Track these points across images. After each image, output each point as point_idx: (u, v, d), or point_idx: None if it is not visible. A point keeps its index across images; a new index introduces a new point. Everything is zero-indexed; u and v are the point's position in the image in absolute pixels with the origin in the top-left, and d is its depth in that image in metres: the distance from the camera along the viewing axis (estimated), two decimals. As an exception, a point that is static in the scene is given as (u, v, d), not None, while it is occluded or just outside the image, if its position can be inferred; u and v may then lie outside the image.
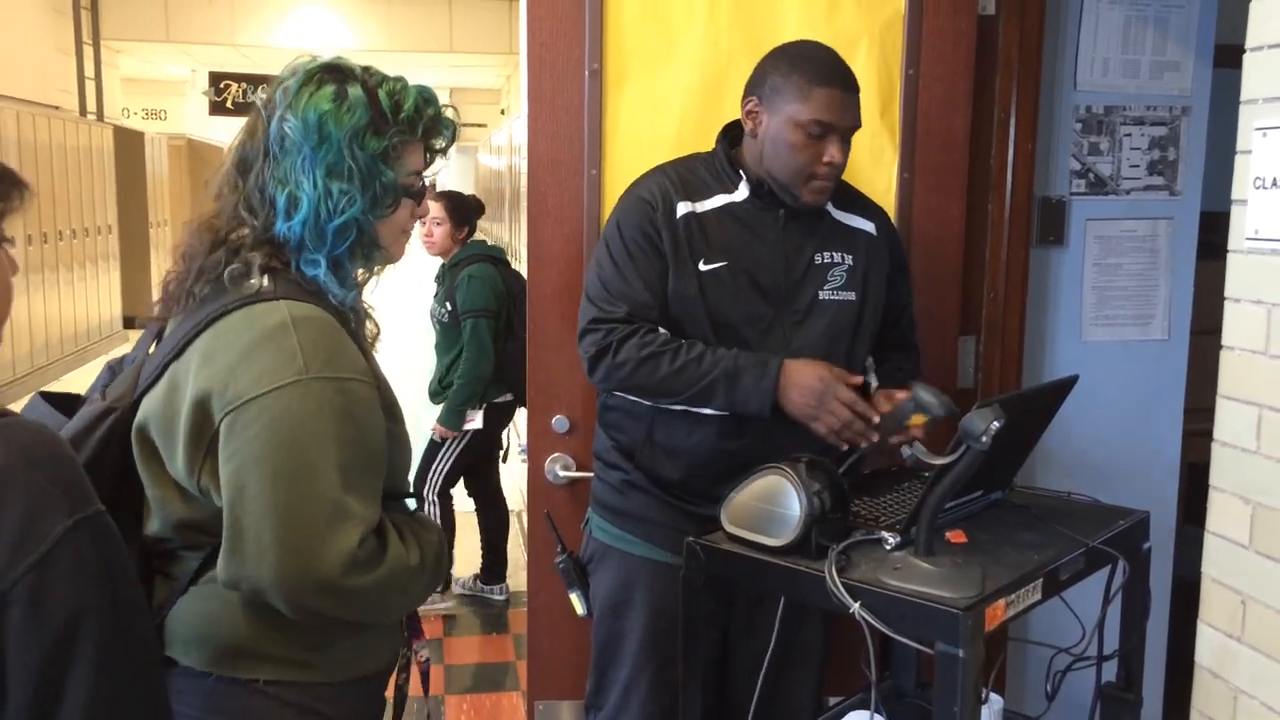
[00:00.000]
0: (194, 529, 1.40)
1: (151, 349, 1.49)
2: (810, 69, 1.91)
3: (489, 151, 10.62)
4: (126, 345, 10.88)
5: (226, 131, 16.97)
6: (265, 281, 1.39)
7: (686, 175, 2.01)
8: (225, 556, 1.33)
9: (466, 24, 12.23)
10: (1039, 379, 2.62)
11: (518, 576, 4.70)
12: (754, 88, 1.98)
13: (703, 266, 1.94)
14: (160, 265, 12.61)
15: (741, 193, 1.99)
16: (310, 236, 1.41)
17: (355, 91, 1.42)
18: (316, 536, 1.30)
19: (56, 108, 10.20)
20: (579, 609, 2.15)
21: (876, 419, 1.79)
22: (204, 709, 1.40)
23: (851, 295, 2.01)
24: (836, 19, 2.40)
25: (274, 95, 1.44)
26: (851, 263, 2.02)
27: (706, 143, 2.12)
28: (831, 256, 2.00)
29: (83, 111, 11.00)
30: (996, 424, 1.46)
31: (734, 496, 1.71)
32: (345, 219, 1.41)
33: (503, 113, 15.01)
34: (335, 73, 1.44)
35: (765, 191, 1.97)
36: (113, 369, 1.52)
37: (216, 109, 14.17)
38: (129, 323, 11.48)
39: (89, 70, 11.20)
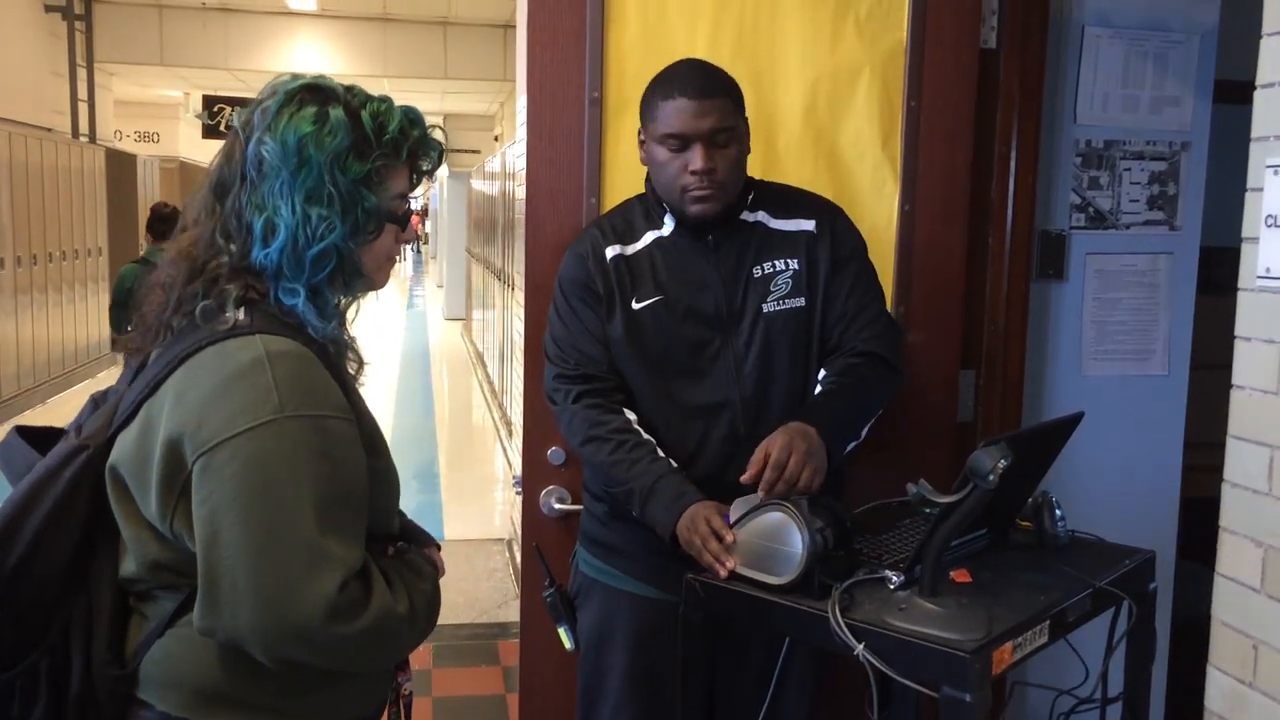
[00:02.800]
0: (170, 571, 1.35)
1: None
2: (660, 85, 1.93)
3: (482, 177, 10.62)
4: (115, 369, 10.81)
5: (219, 155, 16.97)
6: (241, 314, 1.34)
7: (619, 221, 2.03)
8: (200, 605, 1.27)
9: (461, 50, 12.25)
10: (1039, 413, 2.60)
11: (508, 608, 4.66)
12: (640, 119, 1.99)
13: (635, 305, 1.95)
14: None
15: (668, 226, 1.98)
16: (288, 264, 1.35)
17: (337, 113, 1.37)
18: (294, 582, 1.24)
19: (49, 129, 10.17)
20: (567, 644, 2.12)
21: (730, 564, 1.68)
22: None
23: (800, 301, 1.95)
24: (838, 50, 2.39)
25: (252, 117, 1.38)
26: (796, 267, 1.96)
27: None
28: (772, 266, 1.96)
29: (75, 133, 10.98)
30: (1004, 462, 1.44)
31: (735, 532, 1.68)
32: (324, 245, 1.35)
33: (496, 139, 15.03)
34: (316, 93, 1.39)
35: (685, 219, 1.95)
36: (96, 402, 1.47)
37: (210, 133, 14.15)
38: (118, 343, 11.41)
39: (82, 93, 11.18)
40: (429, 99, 14.81)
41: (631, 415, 1.94)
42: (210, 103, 14.10)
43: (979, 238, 2.51)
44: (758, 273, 1.95)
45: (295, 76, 1.42)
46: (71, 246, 9.87)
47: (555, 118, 2.35)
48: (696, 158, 1.87)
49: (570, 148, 2.36)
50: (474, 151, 15.86)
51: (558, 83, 2.34)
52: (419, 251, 32.95)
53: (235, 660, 1.32)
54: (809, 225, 2.00)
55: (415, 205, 1.56)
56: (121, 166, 11.56)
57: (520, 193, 4.43)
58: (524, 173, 2.42)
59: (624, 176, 2.35)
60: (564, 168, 2.36)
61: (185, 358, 1.32)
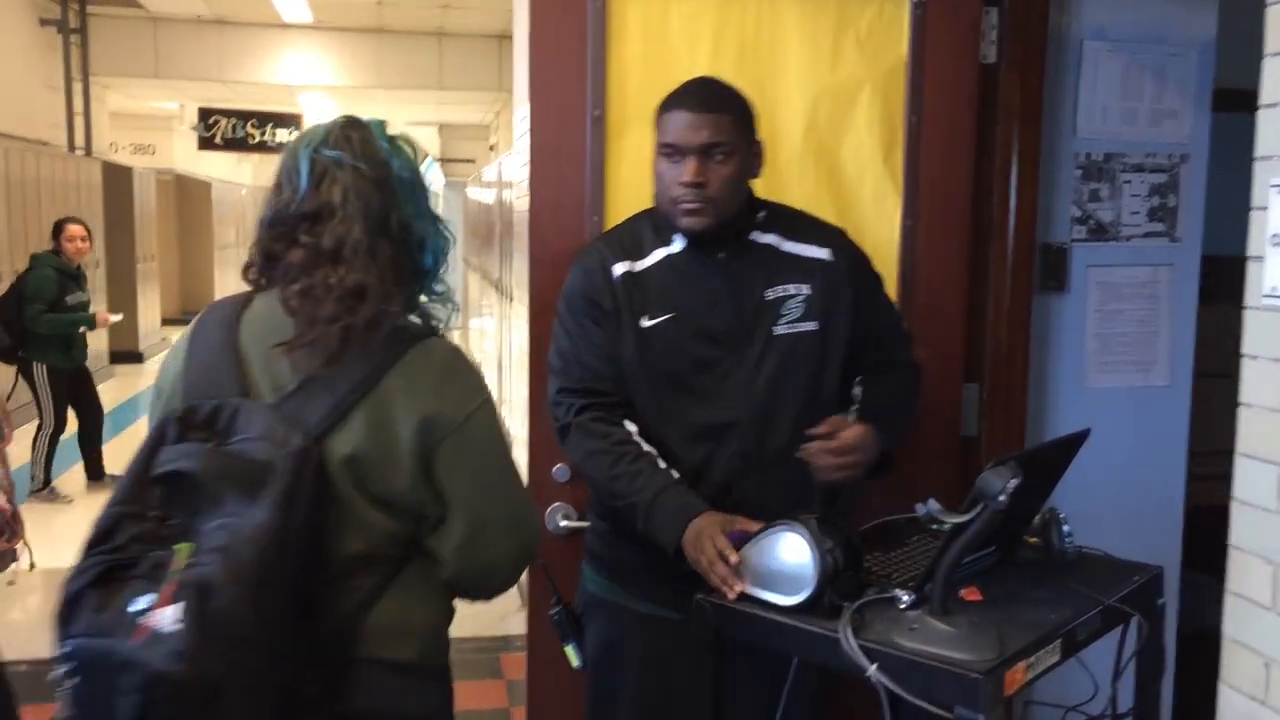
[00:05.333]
0: (396, 541, 1.56)
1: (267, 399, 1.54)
2: (669, 96, 1.96)
3: (479, 186, 10.61)
4: (112, 380, 10.79)
5: (215, 167, 16.99)
6: (414, 320, 1.61)
7: (626, 236, 2.03)
8: (464, 548, 1.54)
9: (456, 61, 12.26)
10: (1042, 426, 2.61)
11: (511, 620, 4.65)
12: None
13: (645, 323, 1.94)
14: (148, 301, 12.53)
15: (679, 243, 1.98)
16: (438, 266, 1.65)
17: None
18: (534, 516, 1.65)
19: (45, 143, 10.16)
20: (574, 661, 2.12)
21: (739, 587, 1.68)
22: (407, 696, 1.57)
23: (812, 325, 1.97)
24: (839, 66, 2.41)
25: (372, 149, 1.61)
26: (809, 292, 1.97)
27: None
28: (785, 289, 1.97)
29: (71, 147, 10.97)
30: (1014, 482, 1.44)
31: (745, 552, 1.68)
32: (447, 247, 1.66)
33: (492, 149, 15.05)
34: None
35: (699, 237, 1.96)
36: (200, 419, 1.50)
37: (205, 144, 14.15)
38: (116, 358, 11.39)
39: (77, 106, 11.18)
40: (424, 109, 14.83)
41: (633, 427, 1.93)
42: (205, 114, 14.09)
43: (980, 252, 2.52)
44: (770, 295, 1.96)
45: (345, 117, 1.67)
46: (70, 259, 9.83)
47: (558, 136, 2.36)
48: (687, 170, 1.88)
49: (573, 165, 2.36)
50: (469, 161, 15.88)
51: (560, 101, 2.35)
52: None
53: (441, 605, 1.63)
54: (823, 253, 2.02)
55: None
56: (118, 179, 11.55)
57: (519, 203, 4.43)
58: (521, 183, 2.43)
59: (626, 194, 2.35)
60: (567, 185, 2.37)
61: (394, 361, 1.53)
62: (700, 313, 1.94)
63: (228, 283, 15.40)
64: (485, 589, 1.61)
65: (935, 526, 1.71)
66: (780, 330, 1.95)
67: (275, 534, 1.38)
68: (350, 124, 1.64)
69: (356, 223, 1.56)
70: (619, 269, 1.97)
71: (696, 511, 1.80)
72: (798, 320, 1.96)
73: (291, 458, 1.44)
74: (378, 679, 1.53)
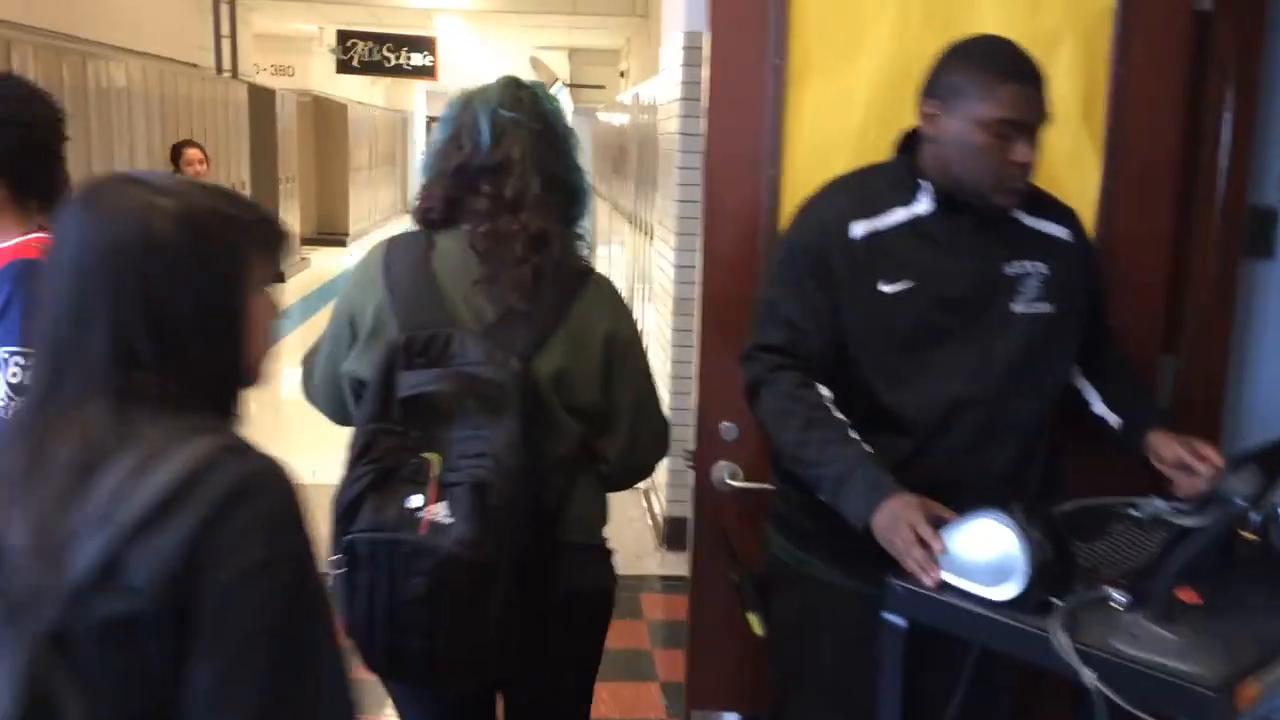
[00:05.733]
0: (580, 443, 1.83)
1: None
2: (990, 65, 1.80)
3: (611, 112, 10.51)
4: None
5: (347, 89, 17.20)
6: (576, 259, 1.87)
7: (864, 190, 1.91)
8: (627, 450, 1.89)
9: (590, -16, 12.10)
10: (1242, 401, 2.45)
11: (649, 559, 4.67)
12: (932, 89, 1.86)
13: (884, 287, 1.84)
14: (288, 220, 12.85)
15: (924, 205, 1.86)
16: (583, 211, 1.92)
17: None
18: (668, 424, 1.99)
19: (195, 65, 10.40)
20: (758, 630, 2.08)
21: (937, 574, 1.60)
22: (597, 572, 1.96)
23: (1048, 307, 1.87)
24: (1039, 12, 2.26)
25: (540, 109, 1.85)
26: (1047, 271, 1.88)
27: (893, 144, 2.01)
28: (1024, 266, 1.87)
29: (219, 69, 11.22)
30: (1259, 489, 1.34)
31: (945, 539, 1.61)
32: (590, 194, 1.93)
33: (622, 75, 14.87)
34: None
35: (949, 201, 1.85)
36: (421, 342, 1.72)
37: (343, 67, 14.33)
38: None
39: (224, 28, 11.40)
40: (555, 34, 14.70)
41: (828, 393, 1.86)
42: (344, 37, 14.25)
43: (1184, 214, 2.36)
44: (1010, 270, 1.87)
45: (512, 78, 1.91)
46: (218, 179, 10.13)
47: (736, 84, 2.28)
48: (1025, 149, 1.78)
49: (751, 116, 2.28)
50: (599, 87, 15.74)
51: (739, 48, 2.26)
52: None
53: (603, 495, 1.94)
54: (1063, 232, 1.93)
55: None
56: (261, 101, 11.79)
57: (664, 138, 4.37)
58: (669, 116, 2.37)
59: (806, 147, 2.27)
60: (744, 136, 2.29)
61: (578, 292, 1.82)
62: (942, 282, 1.84)
63: (361, 204, 15.70)
64: (628, 484, 1.98)
65: (1135, 512, 1.62)
66: (1017, 308, 1.86)
67: (523, 442, 1.65)
68: (518, 85, 1.87)
69: (533, 176, 1.80)
70: (859, 228, 1.86)
71: (891, 491, 1.72)
72: (1035, 300, 1.87)
73: (518, 378, 1.69)
74: (576, 559, 1.85)
